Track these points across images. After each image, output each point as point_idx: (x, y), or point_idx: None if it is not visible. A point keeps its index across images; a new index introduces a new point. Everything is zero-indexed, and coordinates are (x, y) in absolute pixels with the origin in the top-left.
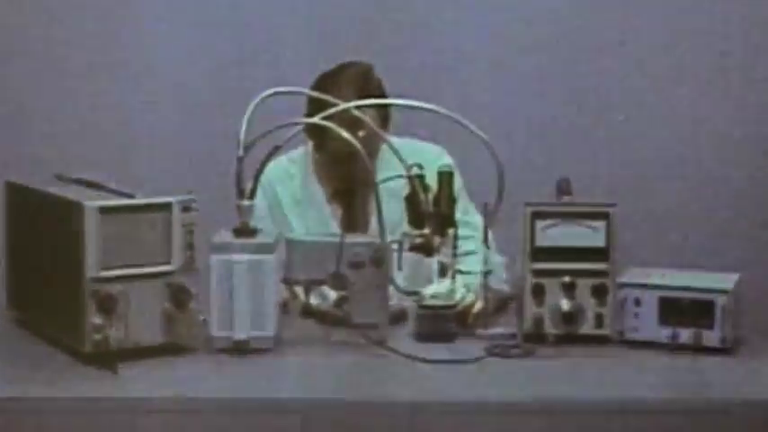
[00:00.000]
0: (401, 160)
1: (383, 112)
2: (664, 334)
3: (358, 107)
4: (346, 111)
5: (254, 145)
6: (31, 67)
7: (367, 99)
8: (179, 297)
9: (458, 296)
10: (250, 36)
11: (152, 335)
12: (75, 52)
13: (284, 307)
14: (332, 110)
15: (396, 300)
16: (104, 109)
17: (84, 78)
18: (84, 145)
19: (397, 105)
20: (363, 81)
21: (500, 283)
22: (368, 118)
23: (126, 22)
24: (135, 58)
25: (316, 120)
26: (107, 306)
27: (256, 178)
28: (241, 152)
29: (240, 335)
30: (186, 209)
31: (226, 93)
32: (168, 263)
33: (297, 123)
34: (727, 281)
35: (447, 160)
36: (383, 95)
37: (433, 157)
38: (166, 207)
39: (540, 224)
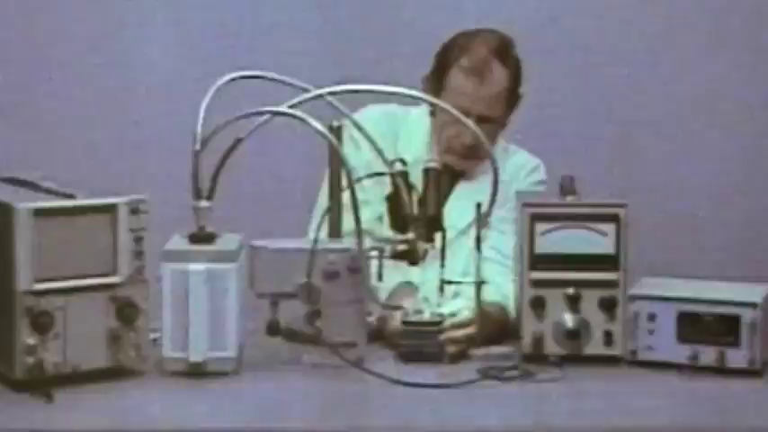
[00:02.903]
0: (379, 152)
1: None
2: (683, 354)
3: (332, 93)
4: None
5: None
6: None
7: (504, 63)
8: (126, 313)
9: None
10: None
11: (94, 357)
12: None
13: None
14: (306, 95)
15: (375, 315)
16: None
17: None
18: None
19: (383, 93)
20: (499, 47)
21: (505, 299)
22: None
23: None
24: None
25: (284, 110)
26: (42, 324)
27: (214, 178)
28: (198, 146)
29: (196, 357)
30: (135, 211)
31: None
32: (113, 273)
33: (261, 113)
34: (755, 293)
35: (538, 177)
36: (519, 74)
37: (522, 171)
38: (111, 209)
39: (539, 228)
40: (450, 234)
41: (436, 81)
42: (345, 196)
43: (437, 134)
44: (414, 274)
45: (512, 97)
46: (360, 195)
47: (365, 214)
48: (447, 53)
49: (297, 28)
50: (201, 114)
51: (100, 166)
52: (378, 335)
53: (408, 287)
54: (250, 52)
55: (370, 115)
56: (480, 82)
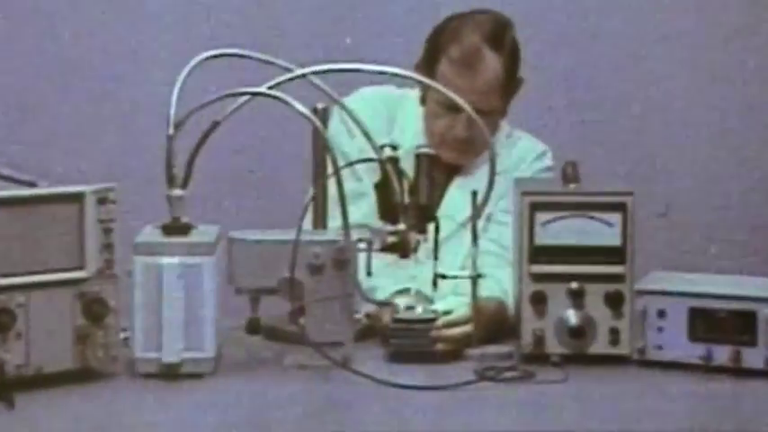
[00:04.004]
0: (366, 135)
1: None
2: (695, 353)
3: (316, 73)
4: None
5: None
6: None
7: (497, 50)
8: (94, 311)
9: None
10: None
11: (59, 359)
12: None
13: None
14: (288, 75)
15: (363, 311)
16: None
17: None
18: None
19: (372, 72)
20: (492, 32)
21: (504, 294)
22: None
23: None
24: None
25: (264, 90)
26: (2, 323)
27: (190, 164)
28: (171, 130)
29: (170, 357)
30: (103, 200)
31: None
32: (80, 268)
33: (240, 94)
34: None
35: (544, 163)
36: (516, 58)
37: (527, 158)
38: (77, 198)
39: (540, 217)
40: (448, 227)
41: (426, 71)
42: (349, 186)
43: (428, 126)
44: (407, 268)
45: (509, 84)
46: (355, 186)
47: (362, 207)
48: (436, 40)
49: (284, 3)
50: (175, 96)
51: (62, 151)
52: (369, 333)
53: (407, 293)
54: (230, 27)
55: (363, 97)
56: (472, 73)
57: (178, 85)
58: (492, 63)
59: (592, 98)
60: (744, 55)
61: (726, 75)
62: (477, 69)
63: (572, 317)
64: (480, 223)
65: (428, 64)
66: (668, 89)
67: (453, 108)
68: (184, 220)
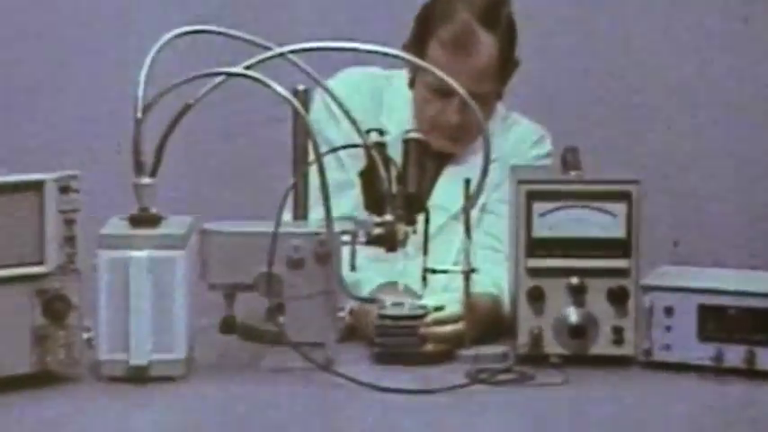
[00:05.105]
0: (350, 119)
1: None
2: (705, 354)
3: (295, 51)
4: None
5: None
6: None
7: (492, 29)
8: (55, 309)
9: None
10: None
11: (17, 361)
12: None
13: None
14: (266, 54)
15: (347, 309)
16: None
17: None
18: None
19: (357, 51)
20: (485, 9)
21: (500, 290)
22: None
23: None
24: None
25: (240, 70)
26: None
27: (159, 150)
28: (139, 113)
29: (138, 359)
30: (65, 189)
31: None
32: (40, 263)
33: (214, 74)
34: None
35: (543, 149)
36: (512, 37)
37: (524, 143)
38: (37, 186)
39: (538, 207)
40: (439, 218)
41: (415, 53)
42: (333, 175)
43: (418, 112)
44: (395, 262)
45: (505, 66)
46: (340, 176)
47: (348, 200)
48: (426, 19)
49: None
50: (143, 76)
51: (22, 138)
52: (352, 332)
53: (393, 287)
54: (207, 6)
55: (348, 79)
56: (464, 57)
57: (147, 63)
58: (486, 44)
59: (595, 80)
60: (764, 34)
61: (742, 55)
62: (470, 52)
63: (572, 315)
64: (474, 214)
65: (417, 45)
66: (680, 71)
67: (444, 92)
68: (153, 210)
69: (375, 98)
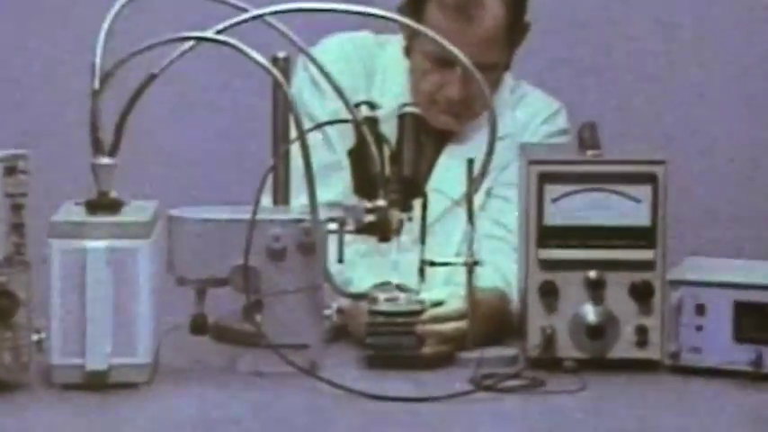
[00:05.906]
0: (338, 90)
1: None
2: (741, 357)
3: (275, 13)
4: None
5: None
6: None
7: None
8: (1, 306)
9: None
10: None
11: None
12: None
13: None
14: (241, 16)
15: (334, 307)
16: None
17: None
18: None
19: (346, 13)
20: None
21: (507, 284)
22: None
23: None
24: None
25: (211, 35)
26: None
27: (120, 127)
28: (96, 84)
29: (96, 364)
30: (11, 170)
31: None
32: None
33: (182, 39)
34: None
35: (557, 125)
36: (522, 1)
37: (536, 119)
38: None
39: (551, 191)
40: (439, 204)
41: (411, 16)
42: (319, 155)
43: (415, 83)
44: (388, 254)
45: (514, 32)
46: (327, 156)
47: (339, 182)
48: None
49: None
50: (101, 42)
51: None
52: (342, 333)
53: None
54: None
55: (335, 46)
56: (468, 21)
57: (105, 28)
58: (492, 7)
59: (616, 50)
60: None
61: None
62: (475, 16)
63: (589, 313)
64: (478, 199)
65: (413, 7)
66: (703, 42)
67: (445, 62)
68: (113, 194)
69: (366, 67)
